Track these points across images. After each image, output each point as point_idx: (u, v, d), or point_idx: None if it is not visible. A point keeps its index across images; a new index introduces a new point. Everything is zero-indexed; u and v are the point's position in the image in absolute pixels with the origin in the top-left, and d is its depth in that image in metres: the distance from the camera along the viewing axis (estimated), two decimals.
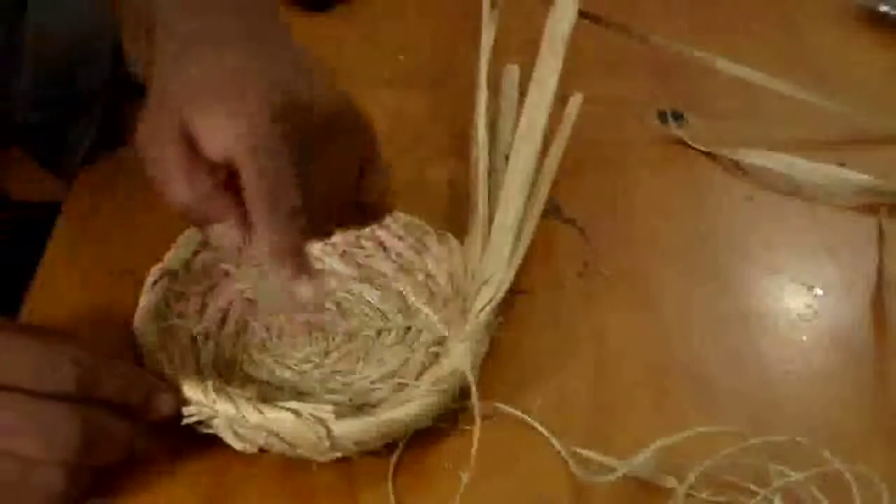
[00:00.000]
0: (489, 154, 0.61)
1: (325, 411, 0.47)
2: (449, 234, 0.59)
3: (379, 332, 0.56)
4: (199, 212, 0.45)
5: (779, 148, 0.70)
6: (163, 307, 0.54)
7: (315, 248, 0.59)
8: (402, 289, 0.58)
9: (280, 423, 0.47)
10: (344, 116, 0.48)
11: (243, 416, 0.47)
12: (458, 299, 0.56)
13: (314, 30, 0.79)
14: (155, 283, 0.54)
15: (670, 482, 0.49)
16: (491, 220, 0.58)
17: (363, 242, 0.60)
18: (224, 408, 0.47)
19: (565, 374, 0.55)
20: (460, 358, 0.50)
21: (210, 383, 0.48)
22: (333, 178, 0.48)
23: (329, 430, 0.47)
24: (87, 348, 0.46)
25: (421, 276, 0.59)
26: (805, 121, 0.73)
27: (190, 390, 0.48)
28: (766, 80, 0.72)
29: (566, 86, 0.63)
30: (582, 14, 0.64)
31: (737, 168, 0.70)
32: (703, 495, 0.49)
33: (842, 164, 0.69)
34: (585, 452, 0.50)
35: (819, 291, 0.62)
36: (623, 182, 0.69)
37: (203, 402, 0.47)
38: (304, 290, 0.44)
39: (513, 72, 0.66)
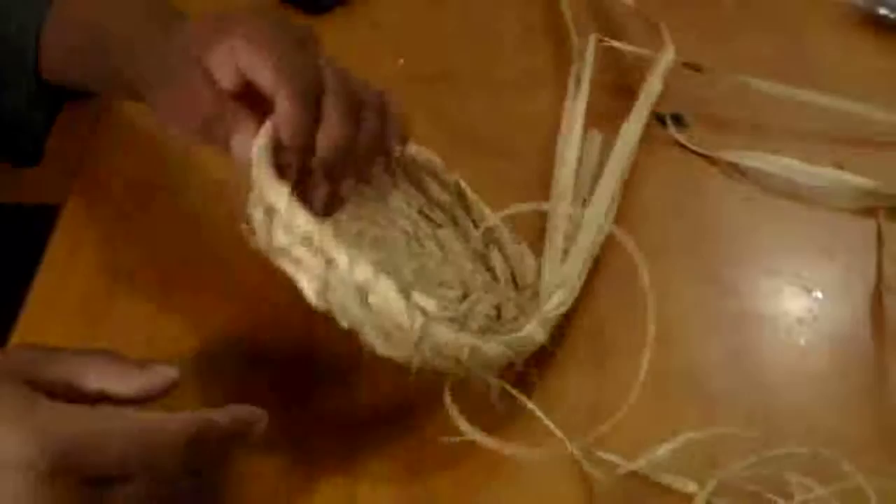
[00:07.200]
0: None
1: (429, 303, 0.45)
2: (523, 241, 0.60)
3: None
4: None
5: (778, 151, 0.70)
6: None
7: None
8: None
9: (384, 294, 0.43)
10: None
11: (351, 268, 0.43)
12: (519, 298, 0.57)
13: None
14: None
15: (690, 487, 0.50)
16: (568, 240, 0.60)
17: (436, 214, 0.60)
18: (335, 252, 0.43)
19: (564, 374, 0.55)
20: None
21: (328, 223, 0.45)
22: None
23: (426, 320, 0.44)
24: None
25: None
26: (804, 123, 0.74)
27: (300, 219, 0.43)
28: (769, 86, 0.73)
29: None
30: (686, 65, 0.70)
31: (736, 171, 0.70)
32: (720, 500, 0.49)
33: (841, 167, 0.69)
34: (600, 452, 0.50)
35: (818, 294, 0.62)
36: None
37: (314, 235, 0.43)
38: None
39: (595, 138, 0.69)
